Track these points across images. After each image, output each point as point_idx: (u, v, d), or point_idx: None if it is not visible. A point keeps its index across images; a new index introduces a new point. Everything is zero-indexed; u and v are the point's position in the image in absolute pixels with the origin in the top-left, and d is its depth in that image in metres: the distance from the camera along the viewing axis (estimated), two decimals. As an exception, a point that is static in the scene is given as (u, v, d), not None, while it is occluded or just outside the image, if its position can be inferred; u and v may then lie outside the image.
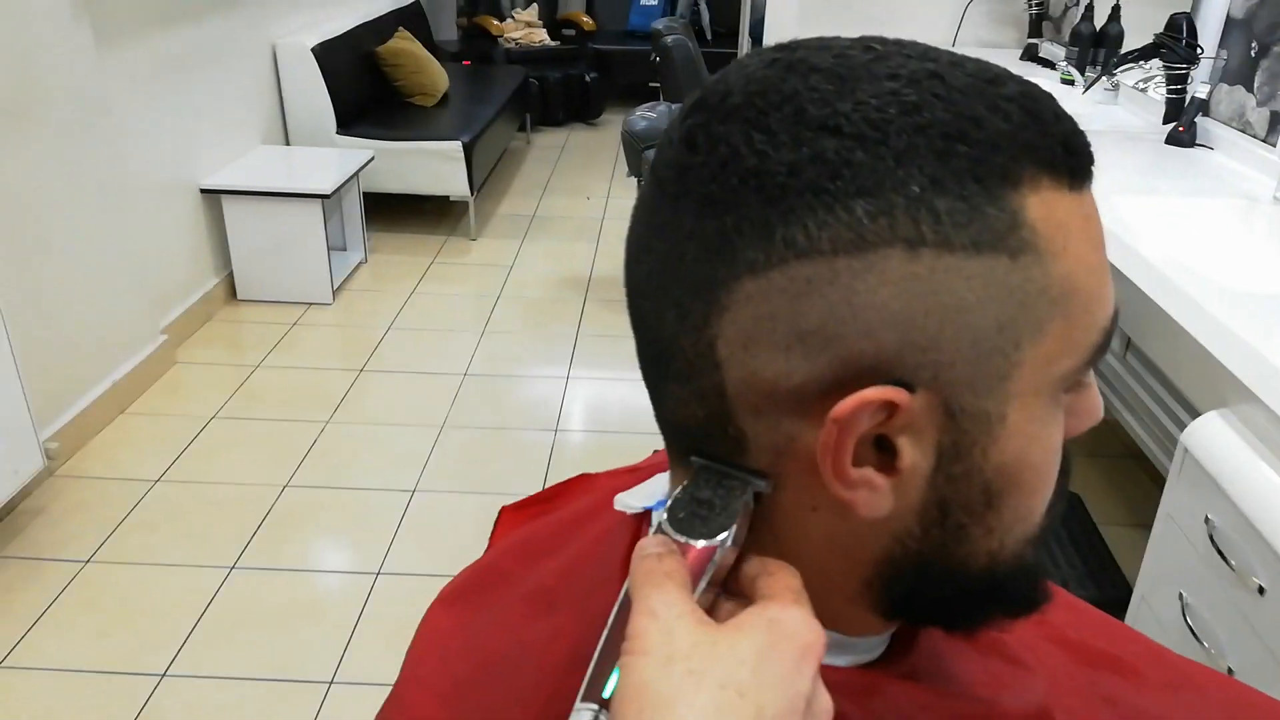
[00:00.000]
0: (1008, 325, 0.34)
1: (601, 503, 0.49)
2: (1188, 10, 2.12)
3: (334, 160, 3.35)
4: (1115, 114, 2.50)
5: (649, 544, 0.37)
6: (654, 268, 0.38)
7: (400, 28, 4.23)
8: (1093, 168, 0.37)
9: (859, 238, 0.33)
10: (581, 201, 4.34)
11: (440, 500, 2.22)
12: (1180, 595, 1.21)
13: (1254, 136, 1.96)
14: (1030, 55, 3.14)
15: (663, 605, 0.34)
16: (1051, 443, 0.38)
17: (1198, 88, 2.11)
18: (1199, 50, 2.07)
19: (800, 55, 0.36)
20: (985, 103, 0.34)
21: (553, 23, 5.80)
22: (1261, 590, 1.03)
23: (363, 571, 1.98)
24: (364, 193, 3.49)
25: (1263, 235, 1.70)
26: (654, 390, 0.41)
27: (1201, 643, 1.15)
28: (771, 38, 3.49)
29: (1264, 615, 1.04)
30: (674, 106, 1.60)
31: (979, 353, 0.34)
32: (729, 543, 0.37)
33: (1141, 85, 2.45)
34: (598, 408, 2.65)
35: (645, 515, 0.45)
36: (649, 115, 1.52)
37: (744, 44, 4.09)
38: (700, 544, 0.37)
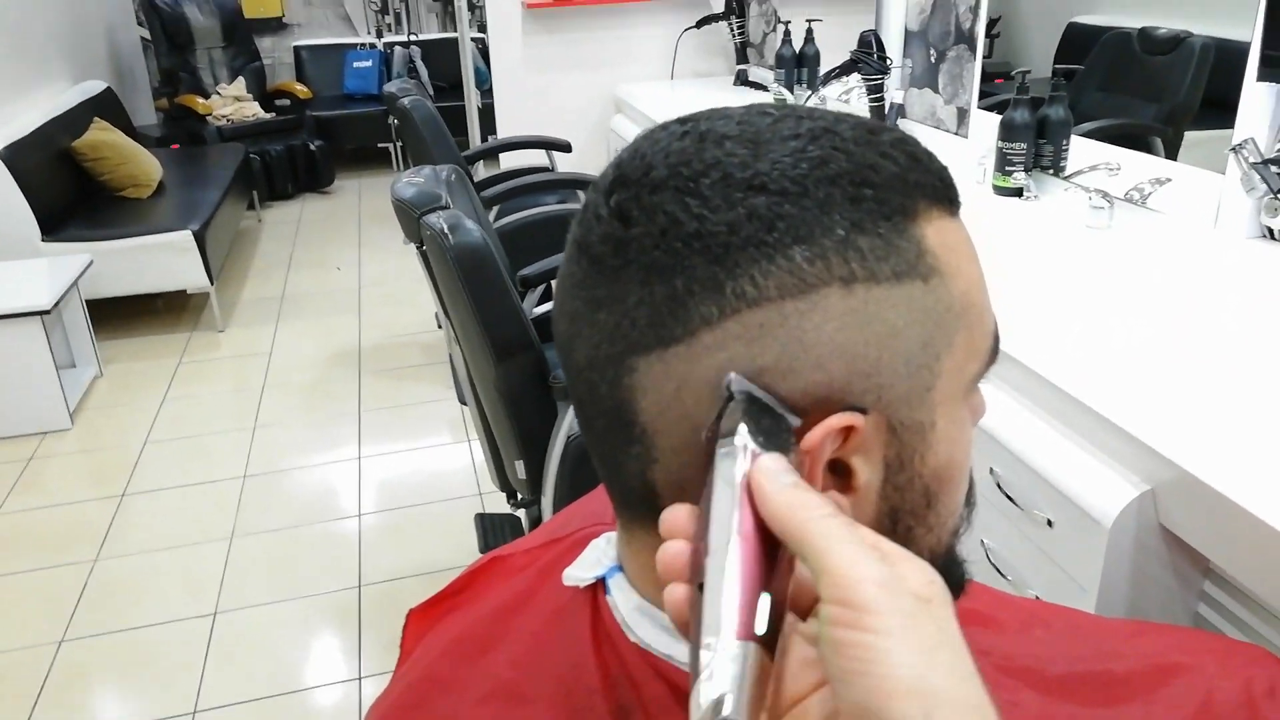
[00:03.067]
0: (929, 342, 0.39)
1: (532, 584, 0.49)
2: (874, 27, 2.39)
3: (45, 271, 3.01)
4: (827, 124, 2.75)
5: (779, 466, 0.33)
6: (601, 339, 0.39)
7: (95, 118, 3.89)
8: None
9: (801, 281, 0.36)
10: (332, 274, 4.17)
11: (249, 617, 2.05)
12: (982, 542, 1.35)
13: (948, 131, 2.24)
14: (742, 80, 3.40)
15: (865, 566, 0.30)
16: (967, 440, 0.43)
17: (894, 94, 2.39)
18: (889, 61, 2.34)
19: (706, 126, 0.39)
20: (875, 151, 0.38)
21: (263, 95, 5.54)
22: (1050, 523, 1.18)
23: (176, 715, 1.79)
24: (86, 300, 3.16)
25: (975, 215, 1.95)
26: (610, 457, 0.42)
27: (1006, 578, 1.29)
28: (500, 87, 3.55)
29: (1055, 543, 1.19)
30: (438, 169, 1.59)
31: (910, 370, 0.38)
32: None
33: (844, 97, 2.72)
34: (398, 483, 2.55)
35: (599, 585, 0.45)
36: (415, 181, 1.50)
37: (470, 96, 4.12)
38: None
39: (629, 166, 0.40)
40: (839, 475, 0.39)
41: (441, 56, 5.82)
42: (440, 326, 3.34)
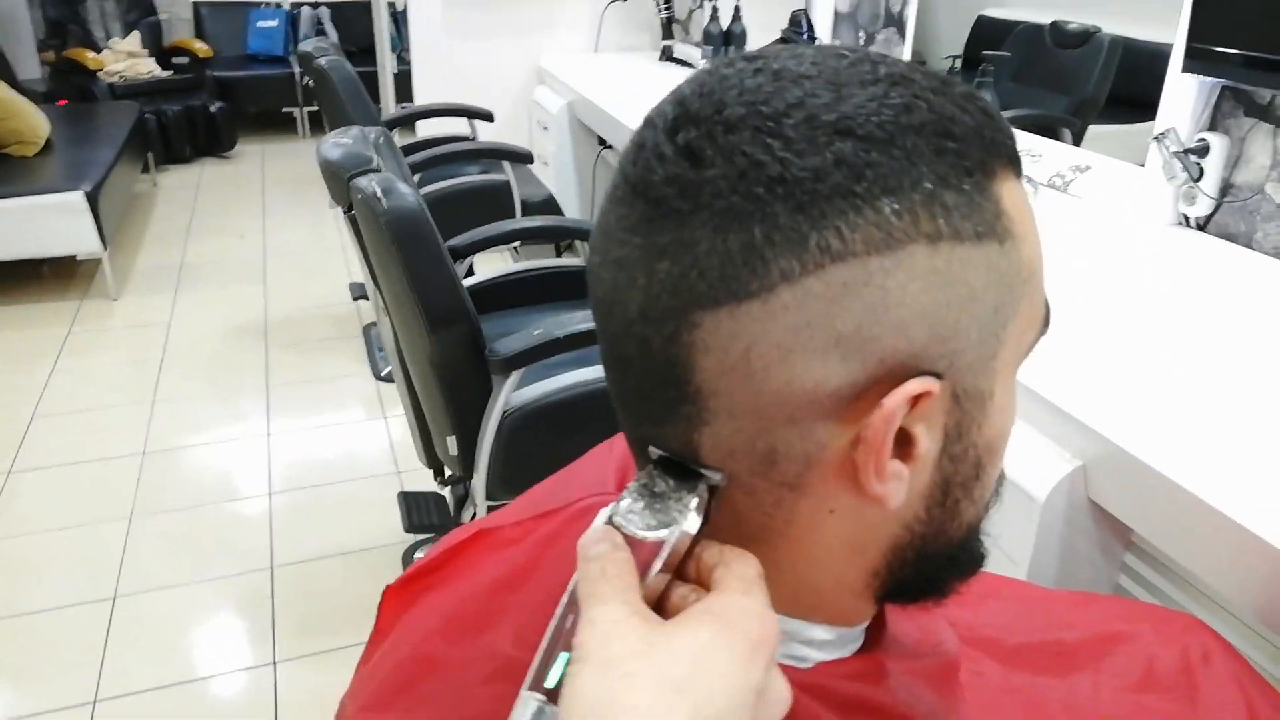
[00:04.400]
0: (1000, 308, 0.37)
1: (532, 557, 0.46)
2: (804, 7, 2.40)
3: (-82, 231, 2.79)
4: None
5: (593, 540, 0.36)
6: (660, 291, 0.36)
7: (-28, 68, 3.61)
8: None
9: (888, 236, 0.34)
10: (235, 241, 3.99)
11: (153, 601, 1.94)
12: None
13: (875, 113, 2.26)
14: (668, 56, 3.38)
15: (600, 612, 0.34)
16: (1014, 409, 0.41)
17: (822, 75, 2.40)
18: (818, 40, 2.35)
19: (779, 65, 0.36)
20: (951, 102, 0.36)
21: (160, 51, 5.25)
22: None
23: (75, 704, 1.68)
24: (-35, 265, 2.95)
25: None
26: (647, 417, 0.39)
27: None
28: (419, 53, 3.44)
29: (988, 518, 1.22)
30: (365, 130, 1.52)
31: (982, 337, 0.37)
32: (678, 534, 0.37)
33: (771, 76, 2.73)
34: (311, 460, 2.46)
35: None
36: (343, 142, 1.43)
37: (385, 61, 3.98)
38: (651, 537, 0.36)
39: (696, 103, 0.36)
40: (899, 444, 0.37)
41: (352, 19, 5.62)
42: (356, 299, 3.24)
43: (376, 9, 3.82)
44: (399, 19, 4.85)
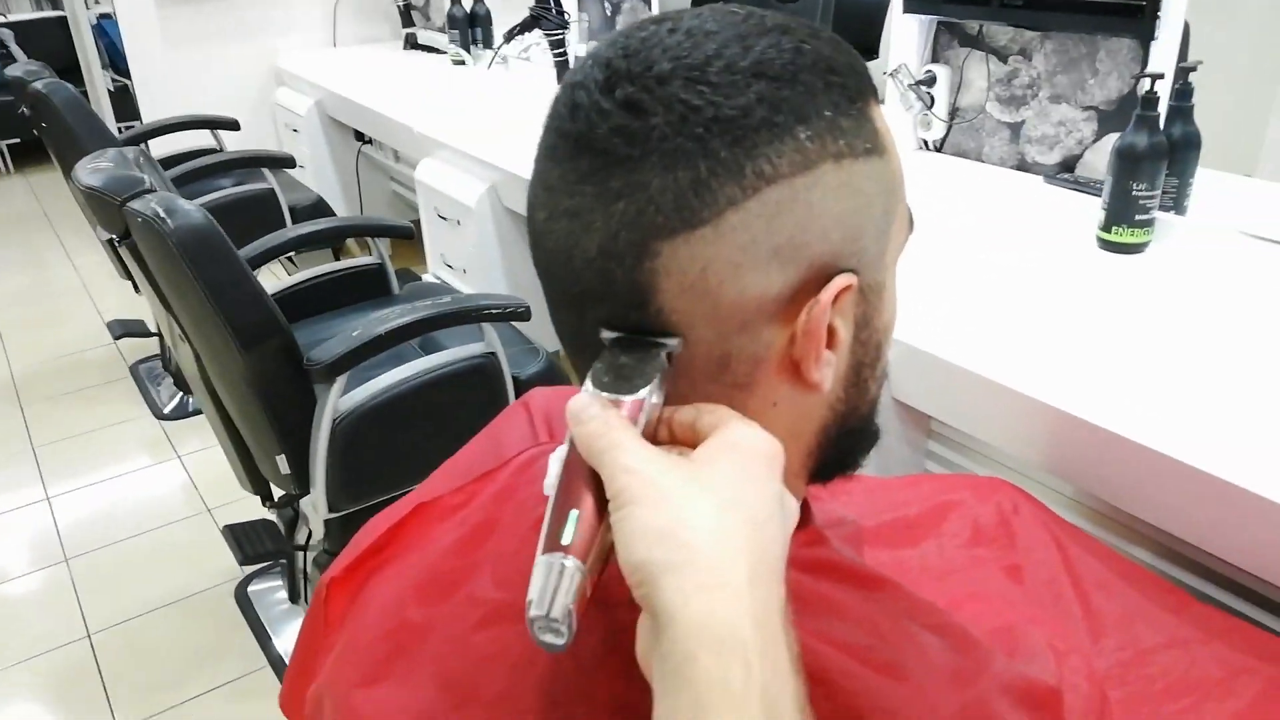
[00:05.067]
0: (887, 210, 0.44)
1: (488, 514, 0.48)
2: (548, -17, 2.44)
3: None
4: (515, 82, 2.76)
5: (584, 404, 0.39)
6: (619, 228, 0.40)
7: None
8: None
9: (806, 158, 0.40)
10: (-51, 302, 3.54)
11: (-50, 702, 1.74)
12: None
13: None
14: (412, 44, 3.31)
15: (634, 458, 0.37)
16: (897, 300, 0.49)
17: (575, 48, 2.46)
18: (567, 16, 2.41)
19: (689, 24, 0.41)
20: (825, 44, 0.43)
21: None
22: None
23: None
24: None
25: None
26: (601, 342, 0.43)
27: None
28: (140, 68, 3.18)
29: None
30: (123, 151, 1.42)
31: (877, 237, 0.44)
32: (654, 397, 0.40)
33: (524, 54, 2.75)
34: (104, 516, 2.26)
35: None
36: (102, 166, 1.33)
37: (97, 79, 3.64)
38: (630, 398, 0.40)
39: (624, 63, 0.40)
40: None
41: (42, 38, 5.05)
42: (118, 337, 2.97)
43: (77, 24, 3.48)
44: (100, 32, 4.42)
